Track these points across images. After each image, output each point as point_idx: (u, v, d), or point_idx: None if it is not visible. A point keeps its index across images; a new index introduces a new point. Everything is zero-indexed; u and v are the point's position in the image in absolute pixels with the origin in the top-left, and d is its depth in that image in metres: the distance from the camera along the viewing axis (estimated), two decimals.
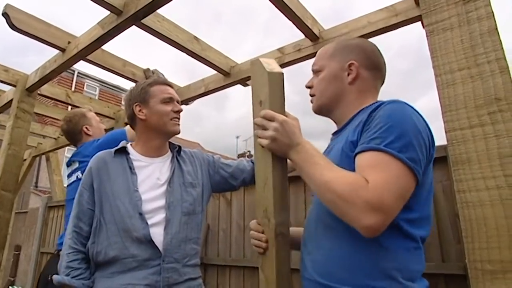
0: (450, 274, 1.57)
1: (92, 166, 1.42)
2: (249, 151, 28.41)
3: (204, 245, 2.57)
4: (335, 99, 1.08)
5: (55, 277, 1.31)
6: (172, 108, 1.47)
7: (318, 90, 1.11)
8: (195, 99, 2.88)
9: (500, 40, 0.60)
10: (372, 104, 1.02)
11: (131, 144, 1.52)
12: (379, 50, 1.09)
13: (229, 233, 2.50)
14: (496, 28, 0.62)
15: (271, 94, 0.96)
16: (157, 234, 1.34)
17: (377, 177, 0.75)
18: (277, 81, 0.97)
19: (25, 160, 4.75)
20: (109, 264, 1.31)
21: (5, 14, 2.04)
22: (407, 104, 0.86)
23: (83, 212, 1.37)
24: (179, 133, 1.51)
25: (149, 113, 1.46)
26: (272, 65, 0.99)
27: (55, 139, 4.47)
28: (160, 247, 1.33)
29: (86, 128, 2.13)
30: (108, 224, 1.34)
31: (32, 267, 4.51)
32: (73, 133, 2.13)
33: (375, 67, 1.07)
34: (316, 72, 1.13)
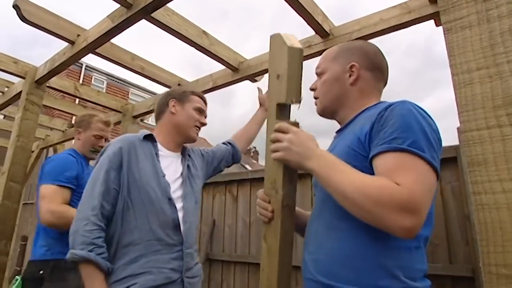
0: (457, 276, 1.55)
1: (123, 146, 1.44)
2: (254, 147, 28.49)
3: (210, 241, 2.58)
4: (338, 100, 1.10)
5: (76, 252, 1.24)
6: (199, 118, 1.64)
7: (321, 92, 1.14)
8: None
9: None
10: (377, 104, 1.04)
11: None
12: (381, 53, 1.12)
13: (234, 229, 2.50)
14: None
15: (289, 69, 0.95)
16: (180, 221, 1.45)
17: (407, 179, 0.74)
18: (296, 57, 0.96)
19: (32, 152, 4.79)
20: (133, 246, 1.34)
21: (15, 6, 2.04)
22: (417, 105, 0.86)
23: (109, 191, 1.37)
24: (195, 141, 1.66)
25: (180, 111, 1.61)
26: (293, 41, 0.99)
27: (62, 131, 4.49)
28: (182, 233, 1.43)
29: (78, 131, 2.11)
30: (135, 206, 1.37)
31: None
32: (74, 131, 2.18)
33: (377, 69, 1.09)
34: (319, 74, 1.16)
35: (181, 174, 1.57)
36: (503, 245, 0.57)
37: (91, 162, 2.04)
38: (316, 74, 1.18)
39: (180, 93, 1.65)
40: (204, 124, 1.67)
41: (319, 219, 0.99)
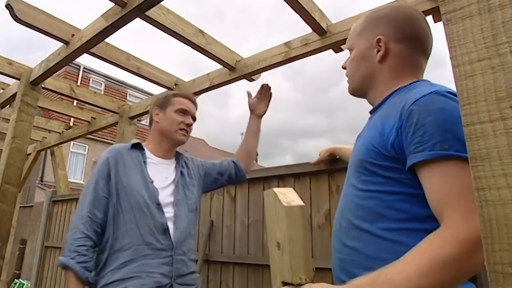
0: None
1: (110, 156, 1.49)
2: None
3: (208, 242, 2.55)
4: (366, 80, 0.99)
5: (61, 258, 1.32)
6: (184, 120, 1.60)
7: (349, 71, 1.04)
8: (200, 94, 2.85)
9: None
10: (410, 85, 0.91)
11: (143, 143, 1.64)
12: (417, 17, 0.97)
13: (233, 230, 2.48)
14: None
15: (291, 236, 0.73)
16: (170, 226, 1.45)
17: (455, 213, 0.67)
18: (298, 219, 0.75)
19: (29, 154, 4.77)
20: (123, 251, 1.36)
21: (8, 6, 2.02)
22: (446, 93, 0.77)
23: (99, 199, 1.41)
24: (183, 143, 1.64)
25: (163, 118, 1.61)
26: (290, 196, 0.79)
27: (59, 133, 4.47)
28: (172, 239, 1.43)
29: None
30: (124, 212, 1.40)
31: (37, 261, 4.52)
32: None
33: (409, 38, 0.94)
34: (349, 51, 1.05)
35: (173, 180, 1.57)
36: (509, 242, 0.55)
37: None
38: (348, 49, 1.07)
39: (162, 99, 1.66)
40: (189, 125, 1.63)
41: (342, 216, 0.94)
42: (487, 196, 0.57)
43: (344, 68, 1.08)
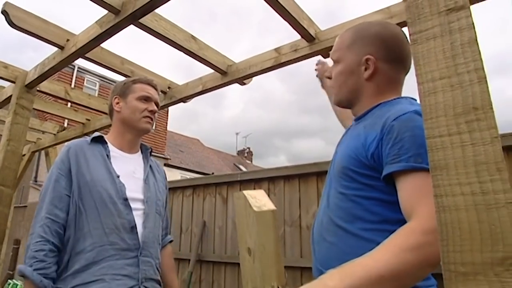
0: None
1: (70, 152, 1.38)
2: (248, 148, 28.62)
3: (200, 242, 2.60)
4: (353, 94, 1.05)
5: (20, 266, 1.21)
6: (147, 107, 1.51)
7: (336, 83, 1.09)
8: (193, 97, 2.90)
9: (479, 51, 0.62)
10: (393, 100, 0.99)
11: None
12: (402, 38, 1.03)
13: (224, 230, 2.53)
14: (476, 39, 0.64)
15: (261, 242, 0.72)
16: (137, 224, 1.34)
17: (425, 210, 0.74)
18: (269, 224, 0.74)
19: (24, 155, 4.78)
20: (85, 253, 1.25)
21: (4, 12, 2.05)
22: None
23: (60, 198, 1.30)
24: (149, 131, 1.54)
25: (124, 107, 1.51)
26: (261, 200, 0.76)
27: (54, 134, 4.49)
28: (140, 239, 1.33)
29: None
30: (87, 210, 1.29)
31: None
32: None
33: (396, 59, 1.01)
34: (335, 62, 1.10)
35: (142, 175, 1.47)
36: (461, 244, 0.61)
37: None
38: (332, 59, 1.11)
39: (122, 87, 1.55)
40: (153, 112, 1.52)
41: (323, 212, 1.02)
42: (444, 202, 0.64)
43: (328, 77, 1.14)
